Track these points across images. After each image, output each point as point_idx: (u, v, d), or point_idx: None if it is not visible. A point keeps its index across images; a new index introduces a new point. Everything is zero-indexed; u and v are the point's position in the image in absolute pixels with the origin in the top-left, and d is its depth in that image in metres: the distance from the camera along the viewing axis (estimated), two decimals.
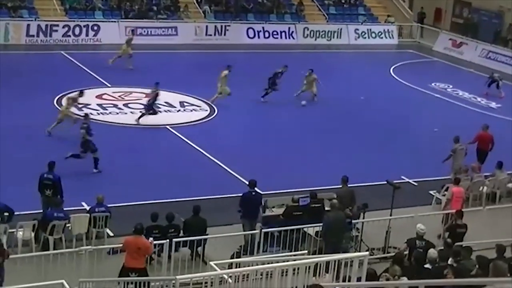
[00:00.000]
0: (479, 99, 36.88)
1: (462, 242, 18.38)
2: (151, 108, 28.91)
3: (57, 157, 21.15)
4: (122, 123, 29.08)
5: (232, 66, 32.28)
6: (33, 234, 18.52)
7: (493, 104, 35.37)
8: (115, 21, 43.14)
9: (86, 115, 25.78)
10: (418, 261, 15.72)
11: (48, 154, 21.84)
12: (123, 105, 31.25)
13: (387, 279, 14.17)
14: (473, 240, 18.71)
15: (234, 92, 31.99)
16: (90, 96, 30.73)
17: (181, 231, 18.67)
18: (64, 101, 28.62)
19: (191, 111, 31.39)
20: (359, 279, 13.55)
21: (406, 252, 17.27)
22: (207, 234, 18.60)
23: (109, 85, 33.70)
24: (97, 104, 30.76)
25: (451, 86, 38.70)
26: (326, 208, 20.16)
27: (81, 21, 42.25)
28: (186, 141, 27.49)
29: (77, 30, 41.83)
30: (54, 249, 18.06)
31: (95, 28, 42.28)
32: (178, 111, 31.25)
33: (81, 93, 28.28)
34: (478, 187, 24.24)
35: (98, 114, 29.60)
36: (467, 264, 15.16)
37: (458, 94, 37.87)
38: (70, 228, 18.86)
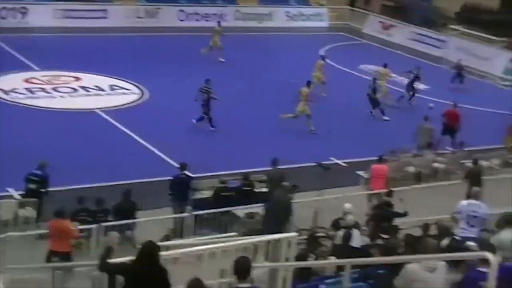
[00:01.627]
0: (406, 80, 37.28)
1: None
2: None
3: None
4: (51, 107, 28.75)
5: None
6: None
7: (422, 86, 35.80)
8: (45, 4, 42.46)
9: None
10: (345, 240, 15.90)
11: None
12: (52, 89, 30.86)
13: (316, 259, 14.36)
14: (399, 219, 18.99)
15: (166, 76, 31.88)
16: (17, 80, 30.32)
17: (111, 215, 18.62)
18: None
19: (121, 94, 31.18)
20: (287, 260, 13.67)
21: (332, 232, 17.49)
22: (136, 218, 18.56)
23: (37, 69, 33.26)
24: (25, 88, 30.34)
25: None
26: (256, 190, 20.38)
27: (8, 3, 41.47)
28: (116, 125, 27.34)
29: (3, 13, 41.03)
30: None
31: (23, 10, 41.57)
32: (108, 94, 31.02)
33: None
34: (405, 167, 24.63)
35: (26, 98, 29.22)
36: (393, 242, 15.42)
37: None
38: None
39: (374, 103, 31.28)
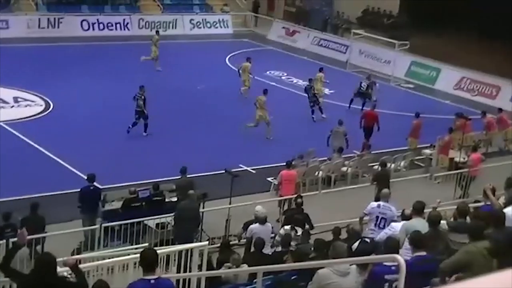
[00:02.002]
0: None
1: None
2: None
3: None
4: None
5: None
6: None
7: (326, 91, 36.24)
8: None
9: None
10: (257, 247, 15.99)
11: None
12: None
13: (229, 268, 14.39)
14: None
15: (69, 86, 31.47)
16: None
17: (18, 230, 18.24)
18: None
19: (26, 106, 30.66)
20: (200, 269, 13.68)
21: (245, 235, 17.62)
22: (45, 232, 18.26)
23: None
24: None
25: (285, 74, 39.45)
26: (167, 200, 20.33)
27: None
28: (21, 138, 26.86)
29: None
30: None
31: None
32: (11, 107, 30.46)
33: None
34: (314, 171, 24.89)
35: None
36: (305, 247, 15.56)
37: (292, 81, 38.68)
38: None
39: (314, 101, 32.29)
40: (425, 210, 13.75)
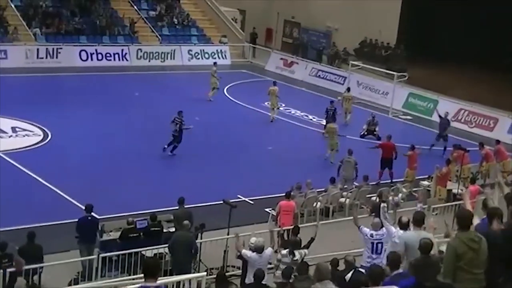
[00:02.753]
0: (310, 116, 37.85)
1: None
2: None
3: None
4: None
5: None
6: None
7: (324, 122, 36.33)
8: None
9: None
10: (257, 279, 15.89)
11: None
12: None
13: None
14: (309, 255, 19.11)
15: (68, 116, 31.50)
16: None
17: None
18: None
19: (24, 136, 30.65)
20: None
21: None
22: (43, 262, 18.20)
23: None
24: None
25: (283, 105, 39.48)
26: (165, 230, 20.28)
27: None
28: (19, 168, 26.81)
29: None
30: None
31: None
32: (10, 136, 30.45)
33: None
34: (312, 202, 24.85)
35: None
36: (303, 281, 15.47)
37: (290, 112, 38.73)
38: None
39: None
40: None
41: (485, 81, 45.22)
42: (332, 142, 30.69)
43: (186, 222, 19.00)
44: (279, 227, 22.03)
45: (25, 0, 47.47)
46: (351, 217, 20.18)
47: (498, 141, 31.15)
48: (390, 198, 23.91)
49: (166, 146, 29.47)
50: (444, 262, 10.09)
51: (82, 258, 19.11)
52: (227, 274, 18.65)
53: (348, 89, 38.97)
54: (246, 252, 17.47)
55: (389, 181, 28.37)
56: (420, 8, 49.90)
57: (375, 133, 34.60)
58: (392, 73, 41.38)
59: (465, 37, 47.93)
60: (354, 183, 26.85)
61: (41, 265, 18.05)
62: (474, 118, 39.22)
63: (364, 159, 28.31)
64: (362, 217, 23.14)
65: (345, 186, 26.62)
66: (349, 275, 14.43)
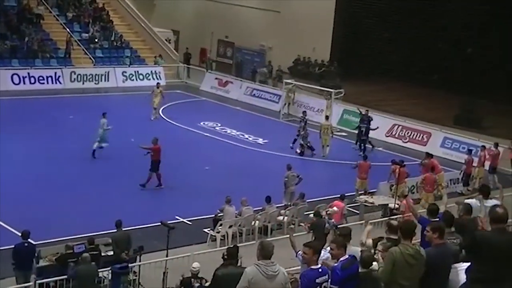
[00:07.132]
0: (246, 135, 37.92)
1: None
2: None
3: None
4: None
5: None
6: None
7: (260, 140, 36.50)
8: None
9: None
10: None
11: None
12: None
13: None
14: None
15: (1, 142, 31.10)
16: None
17: None
18: None
19: None
20: None
21: None
22: None
23: None
24: None
25: (219, 124, 39.53)
26: (103, 254, 20.10)
27: None
28: None
29: None
30: None
31: None
32: None
33: None
34: (250, 221, 24.89)
35: None
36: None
37: (226, 131, 38.74)
38: None
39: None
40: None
41: (415, 96, 46.01)
42: (325, 137, 33.54)
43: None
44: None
45: None
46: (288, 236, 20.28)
47: (430, 155, 31.22)
48: (324, 213, 23.97)
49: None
50: (383, 265, 10.78)
51: (19, 286, 18.83)
52: None
53: (327, 117, 37.57)
54: None
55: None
56: (352, 25, 50.60)
57: (308, 145, 34.95)
58: (330, 91, 41.50)
59: (395, 54, 48.76)
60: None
61: None
62: (408, 133, 39.68)
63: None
64: (300, 235, 23.24)
65: (290, 203, 26.67)
66: None
